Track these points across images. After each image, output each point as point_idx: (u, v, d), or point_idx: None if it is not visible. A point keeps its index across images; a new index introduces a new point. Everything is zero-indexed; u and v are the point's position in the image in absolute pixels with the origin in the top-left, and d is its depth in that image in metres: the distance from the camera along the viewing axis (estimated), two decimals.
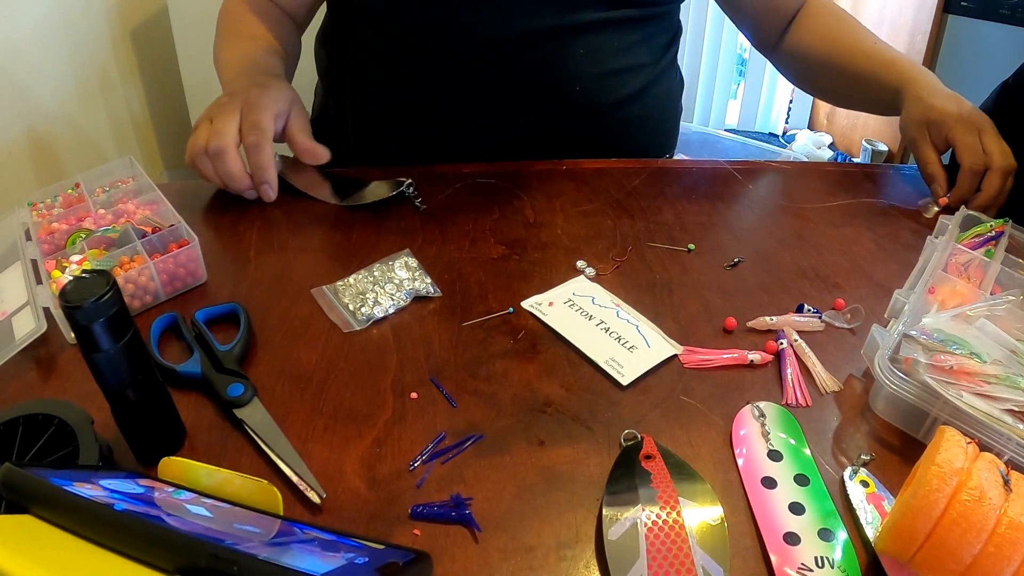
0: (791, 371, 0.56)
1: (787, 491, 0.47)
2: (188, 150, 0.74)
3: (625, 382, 0.55)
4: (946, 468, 0.39)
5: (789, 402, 0.54)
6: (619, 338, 0.59)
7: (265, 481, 0.43)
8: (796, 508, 0.46)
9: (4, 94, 1.29)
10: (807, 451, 0.50)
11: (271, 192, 0.76)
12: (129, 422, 0.48)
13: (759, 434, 0.51)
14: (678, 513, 0.45)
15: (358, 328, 0.61)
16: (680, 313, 0.63)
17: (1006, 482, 0.39)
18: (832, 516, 0.45)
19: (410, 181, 0.77)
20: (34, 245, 0.65)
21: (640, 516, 0.44)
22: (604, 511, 0.45)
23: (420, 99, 0.86)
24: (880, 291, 0.66)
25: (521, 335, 0.60)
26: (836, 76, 0.89)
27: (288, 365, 0.57)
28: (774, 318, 0.61)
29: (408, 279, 0.65)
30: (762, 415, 0.52)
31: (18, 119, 1.33)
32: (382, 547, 0.41)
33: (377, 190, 0.78)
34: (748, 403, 0.53)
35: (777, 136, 2.75)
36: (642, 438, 0.50)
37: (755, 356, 0.58)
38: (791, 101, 2.74)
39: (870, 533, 0.45)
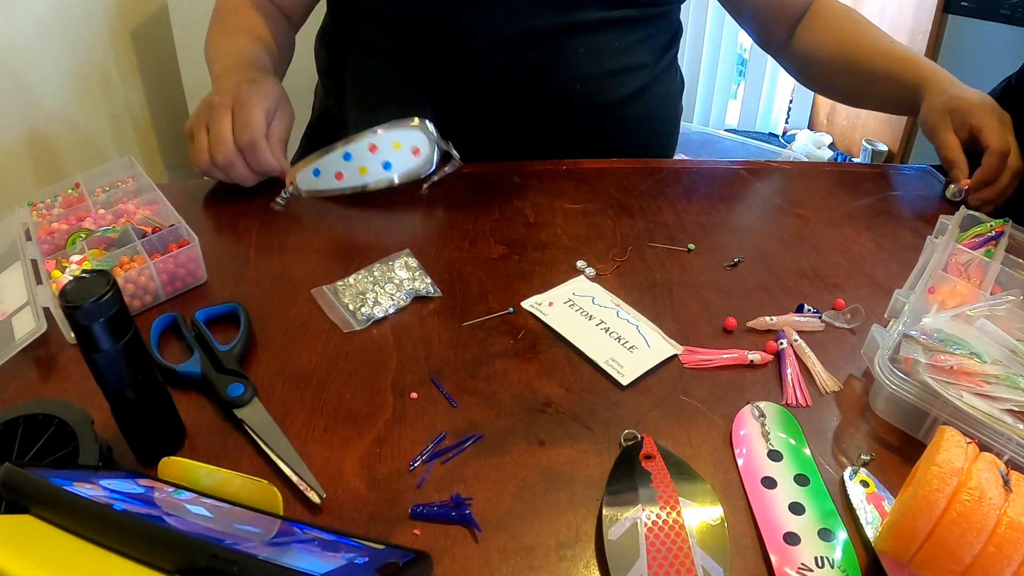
0: (791, 371, 0.56)
1: (787, 491, 0.47)
2: (195, 163, 0.75)
3: (625, 382, 0.55)
4: (946, 468, 0.39)
5: (789, 402, 0.54)
6: (619, 338, 0.59)
7: (265, 481, 0.43)
8: (796, 508, 0.46)
9: (4, 94, 1.29)
10: (807, 451, 0.50)
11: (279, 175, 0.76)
12: (129, 422, 0.48)
13: (759, 434, 0.51)
14: (678, 513, 0.45)
15: (358, 328, 0.61)
16: (680, 313, 0.63)
17: (1006, 482, 0.39)
18: (832, 516, 0.45)
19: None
20: (34, 245, 0.65)
21: (640, 516, 0.44)
22: (604, 511, 0.45)
23: (420, 99, 0.86)
24: (880, 291, 0.66)
25: (521, 335, 0.60)
26: (852, 75, 0.89)
27: (288, 365, 0.57)
28: (774, 318, 0.61)
29: (408, 279, 0.65)
30: (762, 415, 0.52)
31: (18, 119, 1.33)
32: (382, 547, 0.41)
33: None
34: (748, 403, 0.53)
35: (777, 136, 2.75)
36: (642, 438, 0.50)
37: (755, 356, 0.58)
38: (791, 101, 2.74)
39: (870, 533, 0.45)
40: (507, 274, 0.67)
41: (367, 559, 0.39)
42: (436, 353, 0.58)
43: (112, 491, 0.39)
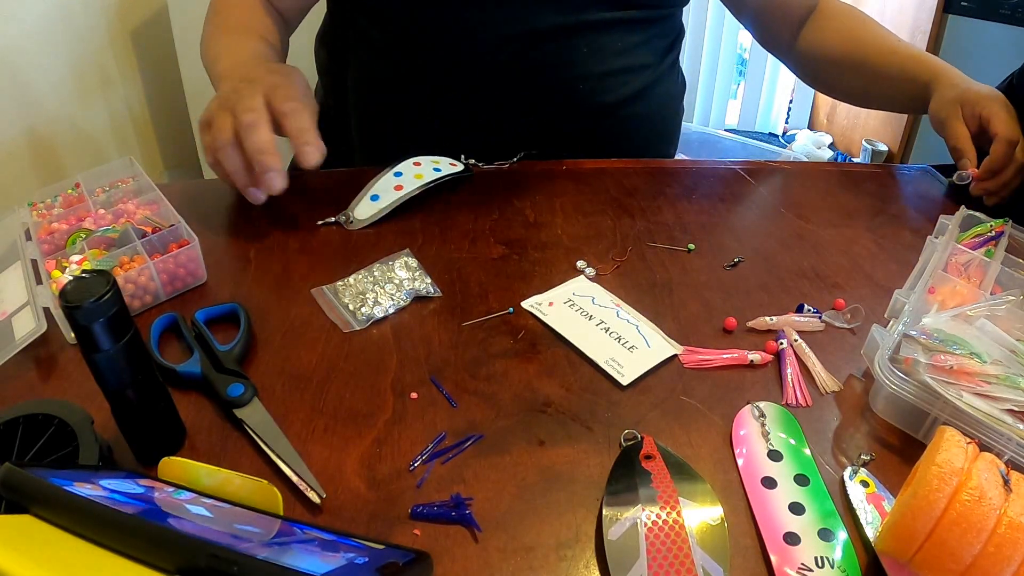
0: (791, 371, 0.56)
1: (787, 491, 0.47)
2: (211, 142, 0.67)
3: (625, 382, 0.55)
4: (946, 468, 0.39)
5: (789, 402, 0.54)
6: (619, 338, 0.59)
7: (265, 481, 0.43)
8: (796, 508, 0.46)
9: (5, 94, 1.29)
10: (807, 451, 0.50)
11: (314, 157, 0.67)
12: (129, 422, 0.48)
13: (759, 434, 0.51)
14: (678, 513, 0.45)
15: (358, 328, 0.61)
16: (680, 313, 0.63)
17: (1006, 482, 0.39)
18: (832, 516, 0.45)
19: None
20: (34, 245, 0.65)
21: (640, 516, 0.44)
22: (604, 511, 0.45)
23: (420, 98, 0.86)
24: (880, 291, 0.66)
25: (521, 335, 0.60)
26: (861, 75, 0.89)
27: (288, 365, 0.57)
28: (774, 318, 0.61)
29: (408, 279, 0.65)
30: (762, 415, 0.52)
31: (18, 119, 1.33)
32: (382, 547, 0.41)
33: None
34: (748, 403, 0.53)
35: (777, 136, 2.75)
36: (642, 438, 0.50)
37: (755, 356, 0.58)
38: (791, 101, 2.74)
39: (870, 533, 0.45)
40: (507, 274, 0.67)
41: (367, 559, 0.39)
42: (436, 353, 0.58)
43: (112, 491, 0.39)
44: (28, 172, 1.35)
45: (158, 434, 0.49)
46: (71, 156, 1.48)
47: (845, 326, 0.62)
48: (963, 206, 0.71)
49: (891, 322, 0.57)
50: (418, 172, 0.77)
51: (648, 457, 0.48)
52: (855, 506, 0.46)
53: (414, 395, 0.54)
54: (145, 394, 0.47)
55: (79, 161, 1.52)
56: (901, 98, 0.87)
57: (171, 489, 0.43)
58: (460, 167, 0.80)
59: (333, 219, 0.74)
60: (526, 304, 0.63)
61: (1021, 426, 0.47)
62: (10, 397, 0.54)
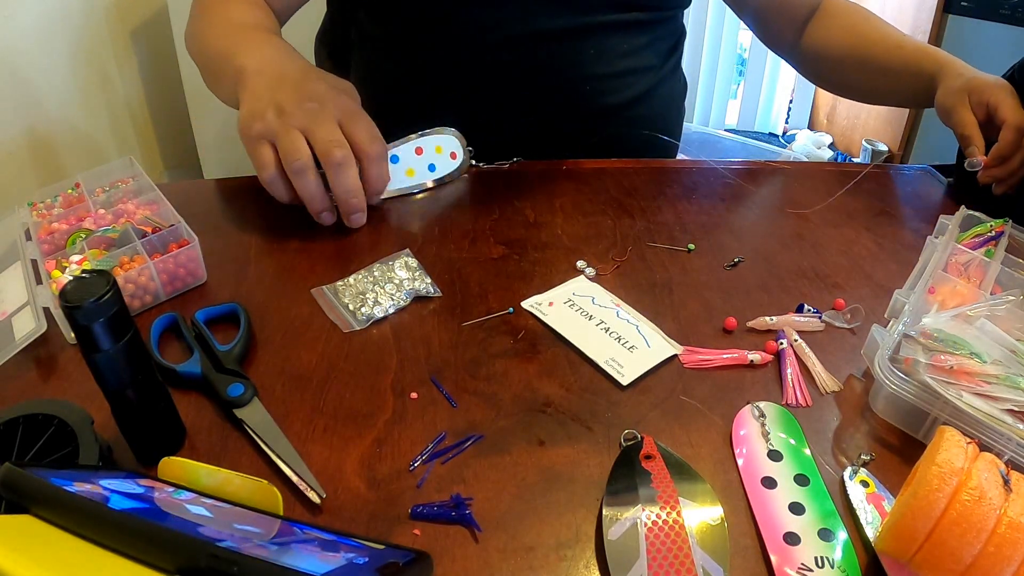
0: (791, 371, 0.56)
1: (787, 491, 0.47)
2: (278, 162, 0.66)
3: (625, 382, 0.55)
4: (946, 468, 0.39)
5: (789, 402, 0.54)
6: (619, 338, 0.59)
7: (265, 481, 0.43)
8: (796, 508, 0.46)
9: (4, 94, 1.29)
10: (807, 451, 0.50)
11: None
12: (129, 422, 0.48)
13: (759, 434, 0.51)
14: (678, 513, 0.45)
15: (358, 328, 0.61)
16: (680, 313, 0.63)
17: (1006, 482, 0.39)
18: (832, 516, 0.45)
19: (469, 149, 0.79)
20: (34, 245, 0.65)
21: (640, 516, 0.44)
22: (604, 511, 0.45)
23: (422, 98, 0.86)
24: (880, 291, 0.66)
25: (521, 335, 0.60)
26: (867, 71, 0.88)
27: (288, 365, 0.57)
28: (774, 318, 0.61)
29: (408, 279, 0.65)
30: (762, 415, 0.52)
31: (18, 119, 1.33)
32: (382, 547, 0.41)
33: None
34: (748, 403, 0.53)
35: (777, 136, 2.75)
36: (642, 438, 0.50)
37: (755, 356, 0.58)
38: (791, 101, 2.74)
39: (870, 533, 0.45)
40: (507, 274, 0.67)
41: (367, 559, 0.39)
42: (436, 353, 0.58)
43: (112, 491, 0.39)
44: (28, 172, 1.35)
45: (158, 434, 0.49)
46: (71, 156, 1.48)
47: (845, 326, 0.62)
48: (963, 206, 0.71)
49: (891, 322, 0.57)
50: (411, 167, 0.76)
51: (648, 457, 0.48)
52: (855, 506, 0.46)
53: (414, 395, 0.54)
54: (145, 394, 0.47)
55: (79, 161, 1.52)
56: (907, 92, 0.86)
57: (171, 489, 0.43)
58: (459, 160, 0.80)
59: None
60: (526, 304, 0.63)
61: (1021, 426, 0.47)
62: (10, 397, 0.54)
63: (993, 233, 0.67)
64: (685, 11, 0.96)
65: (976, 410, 0.47)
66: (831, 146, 2.59)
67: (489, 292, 0.65)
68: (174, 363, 0.55)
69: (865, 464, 0.49)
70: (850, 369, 0.58)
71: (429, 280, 0.66)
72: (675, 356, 0.58)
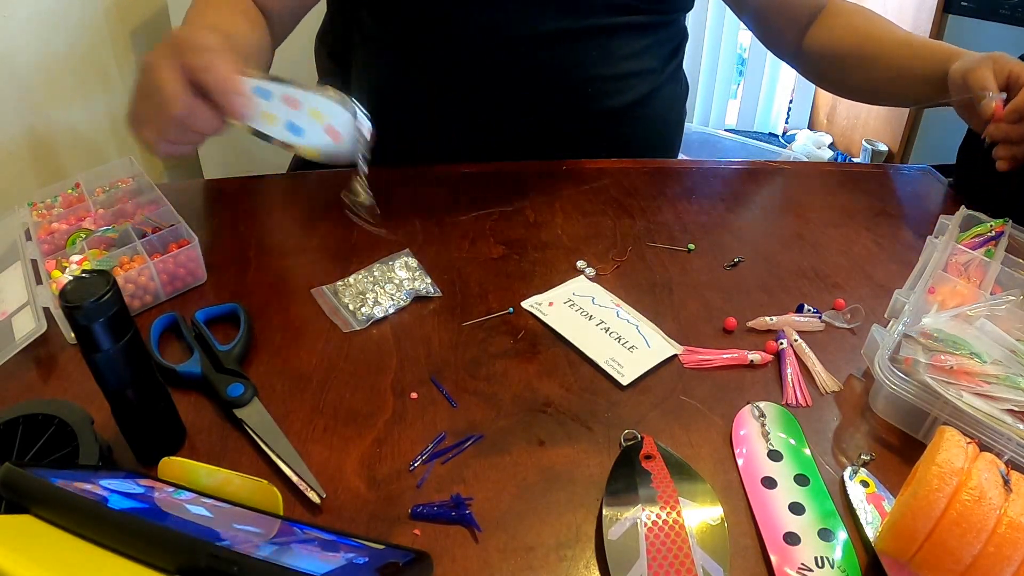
0: (791, 371, 0.56)
1: (787, 491, 0.47)
2: (142, 128, 0.60)
3: (625, 382, 0.55)
4: (946, 468, 0.39)
5: (789, 402, 0.54)
6: (619, 338, 0.59)
7: (265, 481, 0.43)
8: (796, 508, 0.46)
9: (4, 94, 1.29)
10: (807, 451, 0.50)
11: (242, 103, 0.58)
12: (129, 422, 0.48)
13: (759, 434, 0.51)
14: (678, 513, 0.45)
15: (358, 328, 0.61)
16: (680, 313, 0.63)
17: (1006, 482, 0.39)
18: (832, 516, 0.45)
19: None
20: (34, 245, 0.65)
21: (640, 516, 0.44)
22: (604, 511, 0.45)
23: (423, 98, 0.86)
24: (880, 291, 0.66)
25: (521, 335, 0.60)
26: (875, 67, 0.87)
27: (288, 365, 0.57)
28: (774, 318, 0.61)
29: (408, 279, 0.65)
30: (762, 415, 0.52)
31: (18, 119, 1.33)
32: (382, 547, 0.41)
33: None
34: (748, 403, 0.53)
35: (777, 136, 2.75)
36: (642, 438, 0.50)
37: (755, 356, 0.58)
38: (791, 101, 2.74)
39: (870, 533, 0.45)
40: (507, 274, 0.67)
41: (367, 559, 0.39)
42: (436, 353, 0.58)
43: (112, 491, 0.39)
44: (28, 172, 1.35)
45: (158, 434, 0.49)
46: (71, 156, 1.48)
47: (845, 326, 0.62)
48: (963, 206, 0.71)
49: (891, 322, 0.57)
50: (274, 113, 0.60)
51: (648, 457, 0.48)
52: (855, 506, 0.46)
53: (414, 395, 0.54)
54: (145, 394, 0.47)
55: (79, 161, 1.52)
56: (920, 87, 0.82)
57: (171, 489, 0.43)
58: (340, 144, 0.62)
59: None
60: (526, 304, 0.63)
61: (1021, 426, 0.47)
62: (10, 397, 0.54)
63: (993, 233, 0.67)
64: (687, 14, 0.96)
65: (976, 410, 0.47)
66: (831, 146, 2.58)
67: (489, 292, 0.65)
68: (174, 363, 0.55)
69: (865, 464, 0.49)
70: (850, 369, 0.58)
71: (429, 280, 0.66)
72: (675, 356, 0.58)
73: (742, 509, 0.47)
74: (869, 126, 2.45)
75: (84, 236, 0.65)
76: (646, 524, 0.44)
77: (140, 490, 0.41)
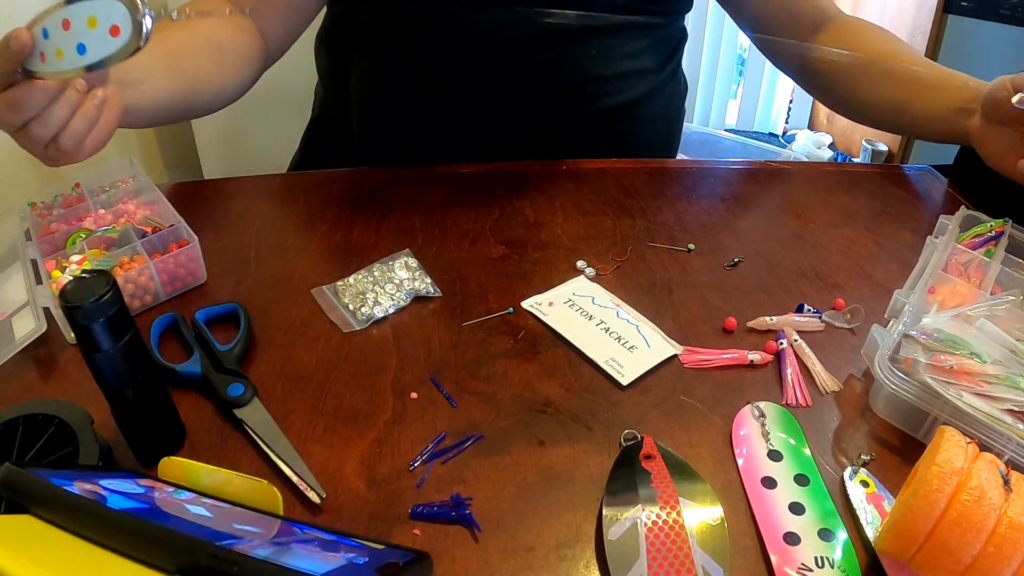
0: (791, 371, 0.56)
1: (787, 491, 0.47)
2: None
3: (625, 382, 0.55)
4: (946, 468, 0.39)
5: (789, 402, 0.54)
6: (619, 338, 0.59)
7: (265, 481, 0.43)
8: (796, 508, 0.46)
9: None
10: (807, 451, 0.50)
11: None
12: (129, 422, 0.48)
13: (759, 434, 0.51)
14: (678, 513, 0.45)
15: (358, 328, 0.61)
16: (680, 313, 0.63)
17: (1006, 482, 0.39)
18: (832, 516, 0.45)
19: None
20: (34, 245, 0.65)
21: (640, 516, 0.44)
22: (604, 511, 0.45)
23: (423, 98, 0.86)
24: (880, 291, 0.66)
25: (521, 335, 0.60)
26: (894, 82, 0.80)
27: (288, 365, 0.57)
28: (774, 318, 0.61)
29: (408, 279, 0.65)
30: (762, 415, 0.52)
31: None
32: (382, 547, 0.41)
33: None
34: (748, 403, 0.53)
35: (777, 136, 2.75)
36: (642, 438, 0.50)
37: (755, 356, 0.58)
38: (791, 101, 2.74)
39: (870, 533, 0.45)
40: (507, 274, 0.67)
41: (367, 559, 0.39)
42: (436, 353, 0.58)
43: (112, 491, 0.39)
44: (28, 172, 1.35)
45: (158, 434, 0.49)
46: None
47: (845, 326, 0.62)
48: (963, 206, 0.71)
49: (891, 322, 0.57)
50: (60, 47, 0.55)
51: (648, 457, 0.48)
52: (855, 506, 0.46)
53: (414, 395, 0.54)
54: (145, 394, 0.47)
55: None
56: (939, 105, 0.76)
57: (171, 489, 0.43)
58: (122, 37, 0.53)
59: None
60: (526, 304, 0.63)
61: (1021, 426, 0.47)
62: (10, 397, 0.54)
63: (993, 233, 0.67)
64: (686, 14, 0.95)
65: (976, 410, 0.47)
66: (831, 146, 2.58)
67: (489, 292, 0.65)
68: (174, 363, 0.55)
69: (865, 464, 0.49)
70: (850, 369, 0.58)
71: (429, 280, 0.66)
72: (675, 356, 0.58)
73: (742, 509, 0.47)
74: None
75: (84, 236, 0.65)
76: (646, 524, 0.44)
77: (140, 490, 0.41)
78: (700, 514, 0.45)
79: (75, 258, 0.63)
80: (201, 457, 0.49)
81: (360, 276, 0.66)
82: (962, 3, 1.89)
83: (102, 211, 0.69)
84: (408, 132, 0.89)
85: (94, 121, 0.58)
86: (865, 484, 0.47)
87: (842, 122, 2.59)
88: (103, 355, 0.43)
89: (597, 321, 0.61)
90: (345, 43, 0.91)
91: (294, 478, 0.48)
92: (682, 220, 0.76)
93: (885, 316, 0.62)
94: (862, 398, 0.55)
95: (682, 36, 0.95)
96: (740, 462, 0.49)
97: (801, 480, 0.48)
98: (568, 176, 0.83)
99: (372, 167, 0.86)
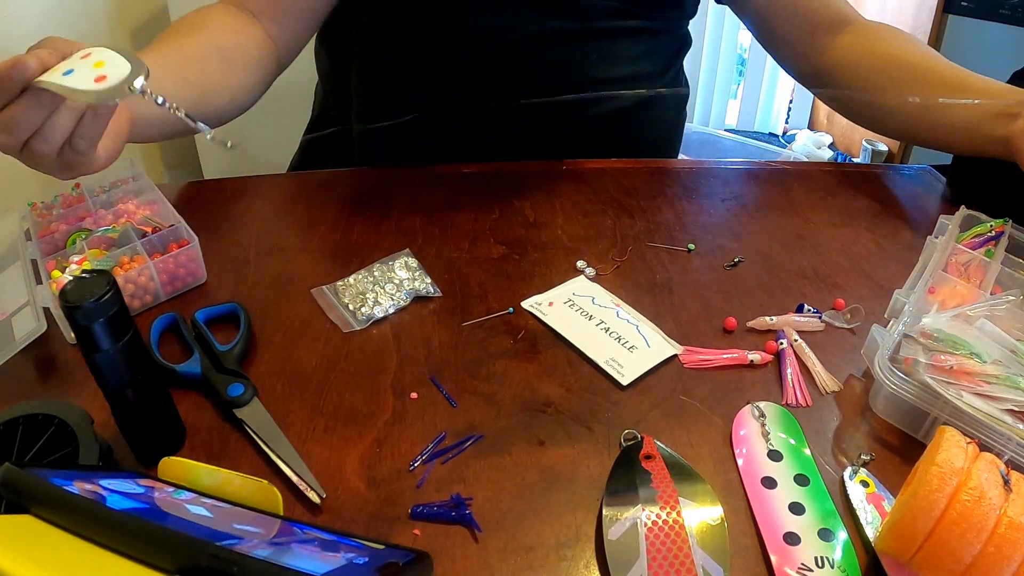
0: (791, 371, 0.56)
1: (787, 491, 0.47)
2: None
3: (625, 382, 0.55)
4: (946, 468, 0.39)
5: (789, 402, 0.54)
6: (619, 338, 0.59)
7: (265, 481, 0.43)
8: (796, 508, 0.46)
9: None
10: (807, 451, 0.50)
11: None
12: (129, 422, 0.48)
13: (759, 434, 0.51)
14: (678, 513, 0.45)
15: (358, 328, 0.61)
16: (680, 313, 0.63)
17: (1006, 482, 0.39)
18: (832, 516, 0.45)
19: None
20: (34, 245, 0.65)
21: (640, 516, 0.44)
22: (604, 511, 0.45)
23: (424, 99, 0.86)
24: (880, 291, 0.66)
25: (521, 335, 0.60)
26: (916, 86, 0.76)
27: (288, 365, 0.57)
28: (774, 318, 0.61)
29: (408, 279, 0.65)
30: (762, 415, 0.52)
31: None
32: (382, 547, 0.41)
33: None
34: (748, 403, 0.53)
35: (777, 136, 2.75)
36: (642, 438, 0.50)
37: (755, 356, 0.58)
38: (791, 101, 2.74)
39: (870, 533, 0.45)
40: (507, 274, 0.67)
41: (367, 559, 0.39)
42: (436, 353, 0.58)
43: (112, 491, 0.39)
44: (28, 172, 1.35)
45: (158, 434, 0.49)
46: None
47: (845, 326, 0.62)
48: (963, 206, 0.71)
49: (891, 322, 0.57)
50: (56, 67, 0.51)
51: (648, 457, 0.48)
52: (855, 506, 0.46)
53: (414, 395, 0.54)
54: (145, 394, 0.47)
55: None
56: (981, 105, 0.72)
57: (171, 489, 0.43)
58: (106, 84, 0.50)
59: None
60: (526, 304, 0.63)
61: (1021, 426, 0.47)
62: (10, 397, 0.54)
63: (993, 233, 0.67)
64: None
65: (976, 410, 0.47)
66: (831, 146, 2.58)
67: (489, 292, 0.65)
68: (174, 363, 0.55)
69: (865, 464, 0.49)
70: (850, 369, 0.58)
71: (429, 280, 0.66)
72: (675, 356, 0.58)
73: (742, 509, 0.47)
74: None
75: (84, 236, 0.65)
76: (646, 524, 0.44)
77: (140, 490, 0.41)
78: (700, 514, 0.45)
79: (75, 258, 0.63)
80: (201, 457, 0.49)
81: (360, 276, 0.66)
82: (962, 3, 1.89)
83: (102, 211, 0.69)
84: (408, 132, 0.89)
85: (105, 123, 0.55)
86: (865, 484, 0.47)
87: (842, 122, 2.58)
88: (103, 355, 0.43)
89: (597, 321, 0.61)
90: (345, 43, 0.91)
91: (294, 478, 0.48)
92: (682, 220, 0.76)
93: (885, 316, 0.62)
94: (862, 398, 0.55)
95: (684, 41, 0.95)
96: (740, 462, 0.49)
97: (801, 480, 0.48)
98: (568, 176, 0.83)
99: (372, 167, 0.86)
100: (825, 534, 0.44)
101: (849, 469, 0.48)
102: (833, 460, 0.50)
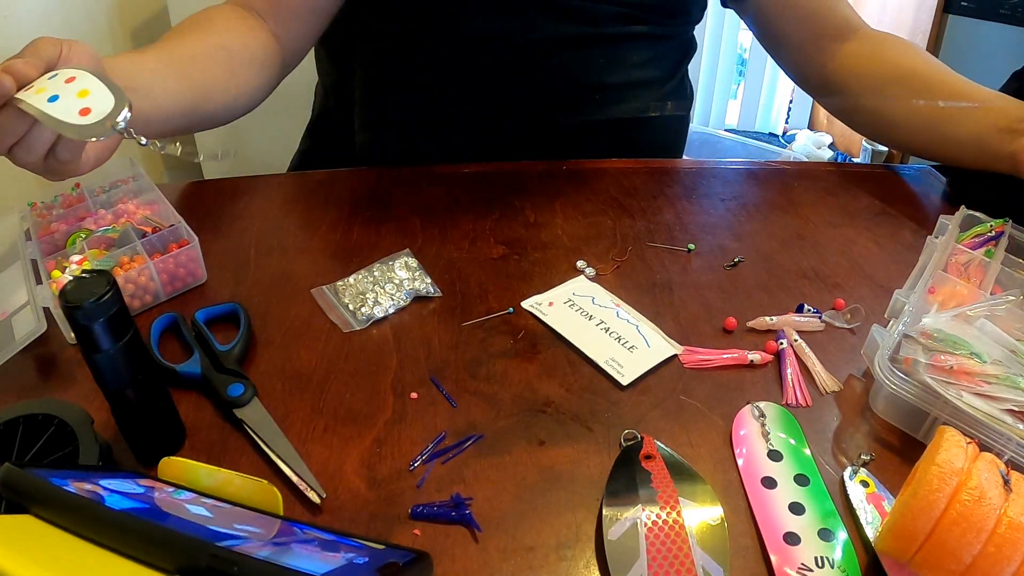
0: (791, 371, 0.56)
1: (787, 491, 0.47)
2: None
3: (625, 382, 0.55)
4: (946, 468, 0.39)
5: (789, 402, 0.54)
6: (619, 338, 0.59)
7: (265, 481, 0.43)
8: (796, 508, 0.46)
9: None
10: (807, 451, 0.50)
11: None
12: (129, 422, 0.48)
13: (759, 434, 0.51)
14: (678, 513, 0.45)
15: (358, 328, 0.61)
16: (680, 313, 0.63)
17: (1006, 482, 0.39)
18: (832, 516, 0.45)
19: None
20: (34, 245, 0.65)
21: (640, 516, 0.44)
22: (604, 511, 0.45)
23: (422, 98, 0.86)
24: (880, 291, 0.66)
25: (521, 335, 0.60)
26: (922, 97, 0.76)
27: (288, 365, 0.57)
28: (774, 318, 0.61)
29: (408, 279, 0.65)
30: (762, 415, 0.52)
31: None
32: (382, 547, 0.41)
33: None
34: (748, 403, 0.53)
35: (777, 136, 2.75)
36: (642, 438, 0.50)
37: (755, 356, 0.58)
38: (791, 101, 2.74)
39: (870, 533, 0.45)
40: (507, 274, 0.67)
41: (367, 559, 0.39)
42: (436, 353, 0.58)
43: (112, 491, 0.39)
44: (28, 172, 1.35)
45: (158, 434, 0.49)
46: None
47: (845, 326, 0.62)
48: (963, 206, 0.71)
49: (891, 322, 0.57)
50: (43, 85, 0.52)
51: (648, 457, 0.48)
52: (855, 506, 0.46)
53: (414, 395, 0.54)
54: (145, 394, 0.47)
55: None
56: (988, 119, 0.71)
57: (171, 489, 0.43)
58: (91, 118, 0.51)
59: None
60: (526, 304, 0.63)
61: (1021, 426, 0.47)
62: (10, 397, 0.54)
63: (993, 233, 0.67)
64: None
65: (976, 410, 0.47)
66: (831, 146, 2.58)
67: (489, 292, 0.65)
68: (174, 363, 0.55)
69: (865, 464, 0.49)
70: (850, 369, 0.58)
71: (429, 280, 0.66)
72: (675, 356, 0.58)
73: (742, 509, 0.47)
74: None
75: (84, 236, 0.65)
76: (646, 524, 0.44)
77: (140, 490, 0.41)
78: (700, 514, 0.45)
79: (75, 258, 0.63)
80: (201, 457, 0.49)
81: (360, 276, 0.66)
82: (962, 3, 1.89)
83: (102, 211, 0.69)
84: (408, 132, 0.89)
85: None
86: (865, 484, 0.47)
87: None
88: (103, 355, 0.43)
89: (597, 321, 0.61)
90: (345, 43, 0.91)
91: (294, 478, 0.48)
92: (682, 220, 0.76)
93: (885, 316, 0.62)
94: (862, 398, 0.55)
95: (690, 46, 0.94)
96: (740, 462, 0.49)
97: (801, 480, 0.48)
98: (568, 176, 0.83)
99: (372, 167, 0.86)
100: (825, 534, 0.44)
101: (849, 469, 0.48)
102: (833, 460, 0.50)
